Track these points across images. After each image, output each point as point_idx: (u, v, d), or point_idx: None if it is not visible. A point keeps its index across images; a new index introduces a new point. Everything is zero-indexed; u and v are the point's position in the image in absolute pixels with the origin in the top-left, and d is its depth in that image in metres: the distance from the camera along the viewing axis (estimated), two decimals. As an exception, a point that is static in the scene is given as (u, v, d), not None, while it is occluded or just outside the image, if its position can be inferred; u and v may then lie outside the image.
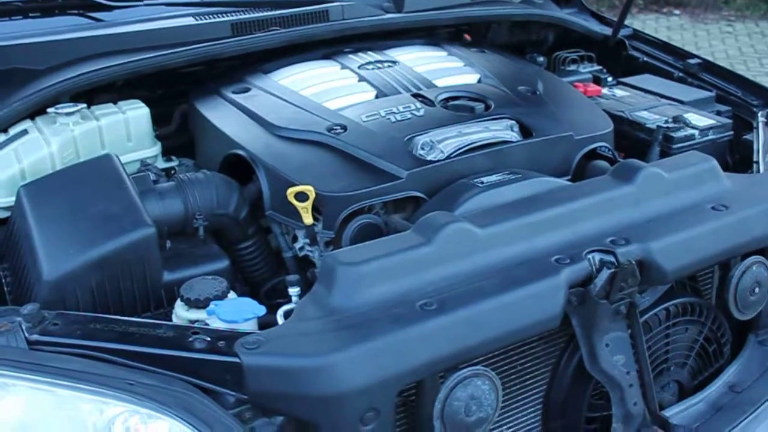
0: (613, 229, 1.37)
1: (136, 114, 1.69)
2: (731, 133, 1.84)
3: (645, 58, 2.27)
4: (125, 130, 1.68)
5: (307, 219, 1.40)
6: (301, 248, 1.49)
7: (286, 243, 1.51)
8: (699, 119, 1.82)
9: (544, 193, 1.42)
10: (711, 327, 1.50)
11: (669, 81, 2.12)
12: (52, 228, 1.33)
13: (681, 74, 2.16)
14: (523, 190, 1.44)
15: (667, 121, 1.79)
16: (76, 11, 1.90)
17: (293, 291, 1.28)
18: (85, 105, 1.65)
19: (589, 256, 1.30)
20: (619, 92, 2.04)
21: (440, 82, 1.76)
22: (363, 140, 1.51)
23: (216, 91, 1.76)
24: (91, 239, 1.30)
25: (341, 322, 1.14)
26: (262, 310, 1.22)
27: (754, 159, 1.75)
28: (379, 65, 1.83)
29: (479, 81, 1.80)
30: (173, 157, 1.78)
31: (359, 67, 1.81)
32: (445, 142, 1.52)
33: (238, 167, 1.57)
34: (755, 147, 1.78)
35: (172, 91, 1.87)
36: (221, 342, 1.11)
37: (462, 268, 1.25)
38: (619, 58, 2.30)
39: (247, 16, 1.89)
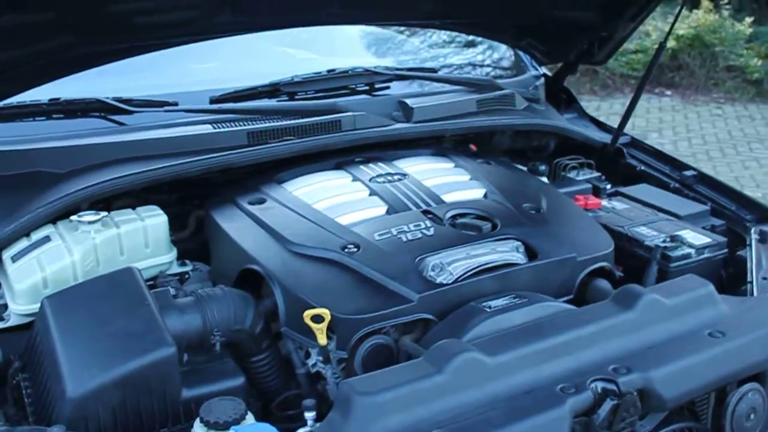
0: (615, 355, 1.43)
1: (155, 222, 1.75)
2: (726, 251, 1.92)
3: (642, 167, 2.36)
4: (144, 237, 1.73)
5: (322, 340, 1.45)
6: (314, 365, 1.53)
7: (299, 359, 1.56)
8: (695, 237, 1.90)
9: (549, 321, 1.48)
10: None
11: (665, 192, 2.21)
12: (76, 344, 1.38)
13: (677, 185, 2.25)
14: (529, 315, 1.50)
15: (665, 240, 1.86)
16: (97, 114, 1.97)
17: (309, 415, 1.32)
18: (106, 213, 1.71)
19: (593, 385, 1.35)
20: (617, 205, 2.12)
21: (448, 197, 1.83)
22: (375, 261, 1.57)
23: (232, 200, 1.82)
24: (114, 358, 1.34)
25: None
26: (278, 435, 1.26)
27: (749, 279, 1.82)
28: (389, 178, 1.90)
29: (485, 196, 1.88)
30: (187, 261, 1.83)
31: (370, 180, 1.88)
32: (455, 265, 1.58)
33: (253, 279, 1.63)
34: (749, 265, 1.85)
35: (187, 195, 1.94)
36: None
37: (472, 397, 1.30)
38: (617, 165, 2.39)
39: (263, 125, 1.96)
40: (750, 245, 1.93)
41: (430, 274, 1.57)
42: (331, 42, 2.66)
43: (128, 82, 2.11)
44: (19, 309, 1.58)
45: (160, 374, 1.36)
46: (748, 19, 7.28)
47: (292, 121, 1.99)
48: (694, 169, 2.30)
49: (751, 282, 1.81)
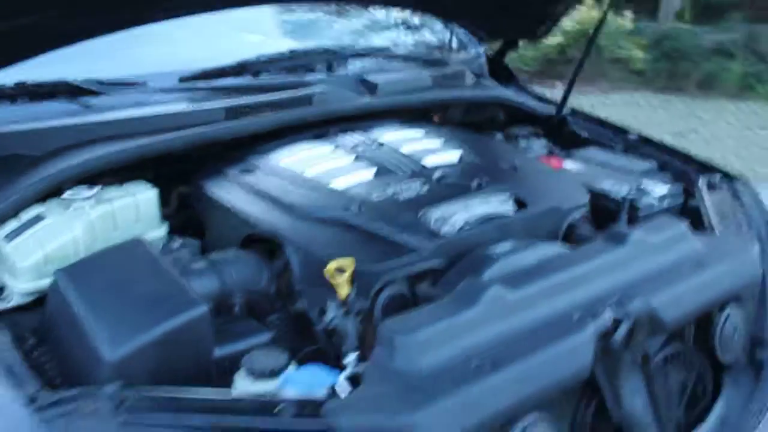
0: (616, 287, 1.54)
1: (146, 196, 1.73)
2: (682, 199, 2.08)
3: (586, 134, 2.51)
4: (135, 212, 1.71)
5: (344, 291, 1.48)
6: (332, 320, 1.56)
7: (317, 316, 1.58)
8: (656, 187, 2.05)
9: (554, 259, 1.58)
10: (698, 370, 1.68)
11: (613, 153, 2.36)
12: (103, 310, 1.35)
13: (621, 147, 2.41)
14: (533, 256, 1.59)
15: (630, 191, 2.00)
16: (65, 96, 1.93)
17: (352, 356, 1.36)
18: (100, 188, 1.68)
19: (605, 312, 1.45)
20: (574, 166, 2.25)
21: (428, 161, 1.91)
22: (380, 217, 1.62)
23: (220, 173, 1.83)
24: (147, 319, 1.33)
25: (411, 385, 1.23)
26: (335, 376, 1.29)
27: (706, 223, 1.98)
28: (369, 145, 1.95)
29: (460, 159, 1.96)
30: (175, 237, 1.82)
31: (351, 148, 1.93)
32: (455, 217, 1.65)
33: (256, 246, 1.64)
34: (704, 211, 2.02)
35: (165, 173, 1.92)
36: (308, 409, 1.18)
37: (501, 329, 1.38)
38: (562, 133, 2.53)
39: (239, 101, 1.97)
40: (701, 193, 2.10)
41: (433, 226, 1.63)
42: (276, 26, 2.69)
43: (87, 65, 2.07)
44: (23, 287, 1.53)
45: (194, 333, 1.36)
46: (629, 14, 7.76)
47: (266, 97, 2.01)
48: (634, 133, 2.47)
49: (710, 224, 1.98)
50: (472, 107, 2.45)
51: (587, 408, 1.51)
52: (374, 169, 1.83)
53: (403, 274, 1.54)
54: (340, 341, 1.56)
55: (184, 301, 1.36)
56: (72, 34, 1.77)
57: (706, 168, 2.25)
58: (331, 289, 1.52)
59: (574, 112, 2.58)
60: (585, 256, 1.59)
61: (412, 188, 1.75)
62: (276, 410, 1.17)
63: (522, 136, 2.44)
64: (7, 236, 1.59)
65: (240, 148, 1.95)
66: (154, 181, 1.89)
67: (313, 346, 1.59)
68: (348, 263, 1.47)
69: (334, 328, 1.57)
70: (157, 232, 1.76)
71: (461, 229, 1.64)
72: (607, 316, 1.45)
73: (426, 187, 1.76)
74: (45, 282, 1.53)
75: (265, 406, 1.18)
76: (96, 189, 1.66)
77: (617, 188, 2.03)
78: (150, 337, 1.31)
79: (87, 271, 1.46)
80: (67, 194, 1.64)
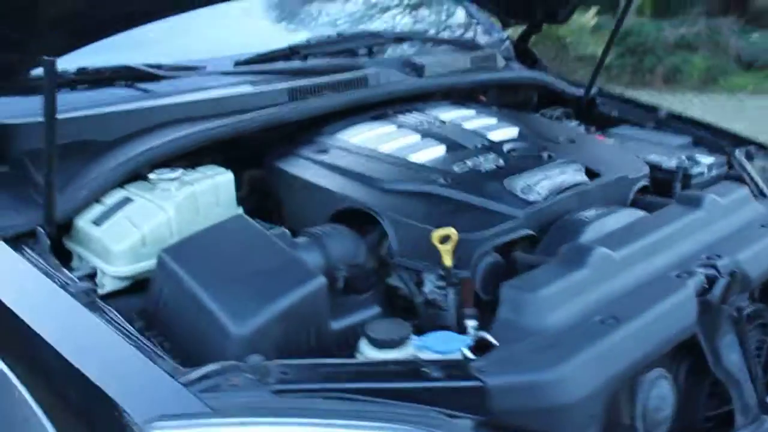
0: (701, 246, 1.59)
1: (224, 179, 1.71)
2: (726, 168, 2.15)
3: (616, 113, 2.56)
4: (215, 195, 1.70)
5: (448, 261, 1.50)
6: (431, 291, 1.57)
7: (416, 288, 1.59)
8: (702, 157, 2.11)
9: (640, 223, 1.62)
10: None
11: (646, 130, 2.42)
12: (220, 286, 1.34)
13: (654, 125, 2.47)
14: (620, 221, 1.63)
15: (681, 161, 2.06)
16: (126, 81, 1.90)
17: (471, 323, 1.38)
18: (183, 170, 1.66)
19: (698, 270, 1.50)
20: (614, 142, 2.30)
21: (492, 136, 1.94)
22: (470, 188, 1.64)
23: (294, 153, 1.82)
24: (270, 293, 1.32)
25: (546, 341, 1.26)
26: (468, 338, 1.30)
27: (755, 190, 2.04)
28: (431, 123, 1.97)
29: (520, 133, 1.99)
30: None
31: (415, 127, 1.95)
32: (539, 186, 1.68)
33: (344, 221, 1.65)
34: (751, 179, 2.09)
35: (232, 157, 1.91)
36: (454, 370, 1.19)
37: (610, 288, 1.42)
38: (592, 114, 2.58)
39: (301, 83, 1.98)
40: (741, 164, 2.17)
41: (521, 195, 1.66)
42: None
43: (128, 54, 2.04)
44: (119, 271, 1.51)
45: (314, 306, 1.36)
46: (592, 11, 7.92)
47: (325, 79, 2.02)
48: (663, 109, 2.53)
49: (758, 190, 2.05)
50: (507, 89, 2.49)
51: (680, 368, 1.55)
52: (444, 146, 1.85)
53: (500, 241, 1.56)
54: (438, 311, 1.57)
55: (303, 273, 1.37)
56: (129, 18, 1.75)
57: (738, 140, 2.32)
58: (428, 261, 1.54)
59: (602, 93, 2.64)
60: (667, 219, 1.64)
61: (489, 160, 1.77)
62: (423, 373, 1.18)
63: (555, 117, 2.48)
64: (95, 221, 1.56)
65: (300, 131, 1.94)
66: (224, 164, 1.88)
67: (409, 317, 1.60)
68: (452, 231, 1.49)
69: (434, 299, 1.59)
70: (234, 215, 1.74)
71: (546, 197, 1.67)
72: (701, 274, 1.50)
73: (501, 160, 1.78)
74: (143, 265, 1.52)
75: (411, 369, 1.19)
76: (180, 171, 1.64)
77: (666, 159, 2.09)
78: (276, 310, 1.30)
79: (195, 249, 1.44)
80: (152, 176, 1.62)
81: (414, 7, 2.83)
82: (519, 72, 2.44)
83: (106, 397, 1.10)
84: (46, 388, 1.28)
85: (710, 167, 2.09)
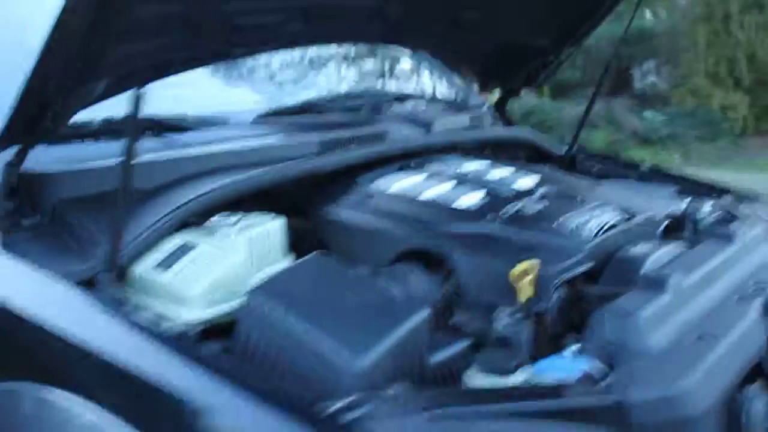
0: (746, 275, 1.69)
1: (276, 225, 1.68)
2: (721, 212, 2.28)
3: (597, 168, 2.68)
4: (267, 241, 1.65)
5: (527, 294, 1.51)
6: (504, 327, 1.57)
7: (487, 325, 1.58)
8: (703, 203, 2.23)
9: (690, 254, 1.70)
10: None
11: (634, 182, 2.54)
12: (325, 324, 1.29)
13: (636, 178, 2.60)
14: (670, 253, 1.70)
15: (690, 206, 2.16)
16: (152, 132, 1.85)
17: (574, 347, 1.39)
18: (241, 216, 1.61)
19: (755, 291, 1.59)
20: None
21: (519, 183, 1.98)
22: (528, 226, 1.67)
23: (340, 201, 1.81)
24: (380, 325, 1.29)
25: (660, 359, 1.29)
26: (582, 363, 1.30)
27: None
28: (459, 173, 2.00)
29: (542, 180, 2.05)
30: None
31: (445, 176, 1.97)
32: (588, 225, 1.73)
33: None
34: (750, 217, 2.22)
35: (268, 207, 1.87)
36: (594, 388, 1.19)
37: (692, 310, 1.47)
38: (574, 170, 2.70)
39: (329, 135, 1.98)
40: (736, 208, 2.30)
41: (576, 232, 1.70)
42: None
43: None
44: (195, 316, 1.43)
45: (419, 337, 1.33)
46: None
47: (349, 132, 2.03)
48: (641, 164, 2.68)
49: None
50: (501, 146, 2.57)
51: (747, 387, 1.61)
52: (483, 191, 1.88)
53: (571, 275, 1.59)
54: (511, 347, 1.57)
55: (409, 304, 1.34)
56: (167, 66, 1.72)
57: (715, 190, 2.48)
58: (499, 298, 1.54)
59: (582, 151, 2.76)
60: (711, 251, 1.73)
61: (531, 204, 1.81)
62: (566, 393, 1.17)
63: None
64: (156, 267, 1.48)
65: (332, 182, 1.93)
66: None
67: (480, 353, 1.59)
68: (532, 266, 1.51)
69: (506, 335, 1.58)
70: (286, 261, 1.70)
71: (597, 234, 1.72)
72: (758, 297, 1.58)
73: (541, 204, 1.83)
74: (217, 309, 1.45)
75: (551, 390, 1.19)
76: (239, 216, 1.59)
77: (674, 204, 2.20)
78: (392, 341, 1.27)
79: (280, 288, 1.39)
80: (214, 219, 1.56)
81: (399, 75, 2.91)
82: (511, 130, 2.53)
83: None
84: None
85: (711, 211, 2.21)
